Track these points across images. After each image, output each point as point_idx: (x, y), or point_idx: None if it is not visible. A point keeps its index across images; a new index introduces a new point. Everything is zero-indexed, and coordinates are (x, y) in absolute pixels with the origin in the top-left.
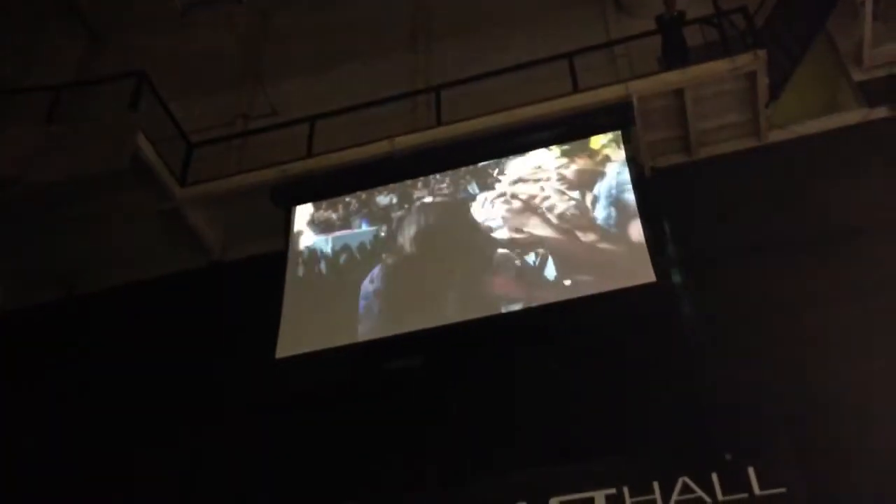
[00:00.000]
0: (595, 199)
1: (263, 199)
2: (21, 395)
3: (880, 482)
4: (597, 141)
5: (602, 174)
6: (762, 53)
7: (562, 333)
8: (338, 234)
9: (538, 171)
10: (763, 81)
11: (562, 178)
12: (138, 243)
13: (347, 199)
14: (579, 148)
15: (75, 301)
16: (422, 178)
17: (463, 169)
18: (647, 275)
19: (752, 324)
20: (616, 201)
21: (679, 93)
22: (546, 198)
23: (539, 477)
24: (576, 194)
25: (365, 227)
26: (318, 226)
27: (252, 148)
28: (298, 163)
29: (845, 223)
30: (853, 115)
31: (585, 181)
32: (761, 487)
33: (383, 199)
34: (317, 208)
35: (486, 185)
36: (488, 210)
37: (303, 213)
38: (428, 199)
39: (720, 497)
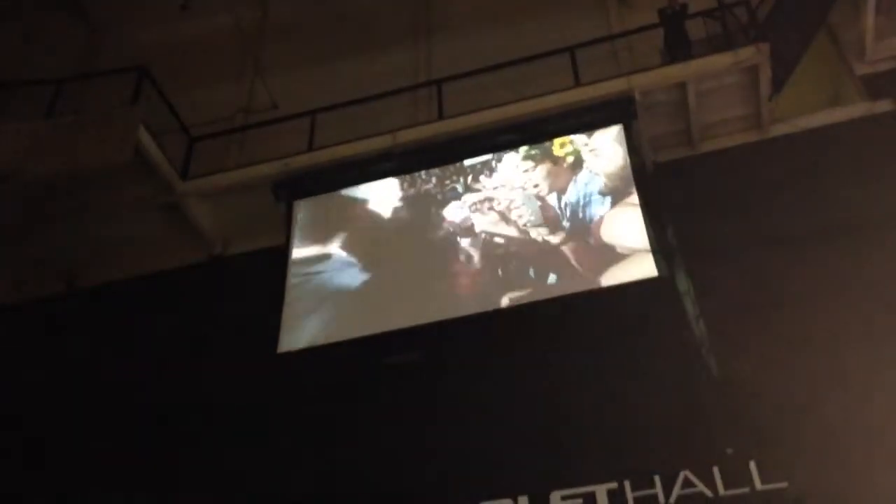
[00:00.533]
0: (597, 193)
1: (264, 193)
2: (22, 389)
3: (881, 476)
4: (599, 134)
5: (604, 168)
6: (765, 47)
7: (564, 328)
8: (336, 228)
9: (538, 165)
10: (766, 75)
11: (563, 172)
12: (139, 237)
13: (346, 192)
14: (580, 141)
15: (76, 294)
16: (417, 174)
17: (456, 165)
18: (648, 269)
19: (754, 317)
20: (618, 195)
21: (681, 86)
22: (547, 191)
23: (540, 471)
24: (577, 187)
25: (364, 223)
26: (318, 220)
27: (253, 142)
28: (300, 157)
29: (848, 217)
30: (856, 109)
31: (586, 174)
32: (763, 482)
33: (381, 193)
34: (317, 202)
35: (483, 182)
36: (487, 206)
37: (303, 207)
38: (423, 195)
39: (721, 491)
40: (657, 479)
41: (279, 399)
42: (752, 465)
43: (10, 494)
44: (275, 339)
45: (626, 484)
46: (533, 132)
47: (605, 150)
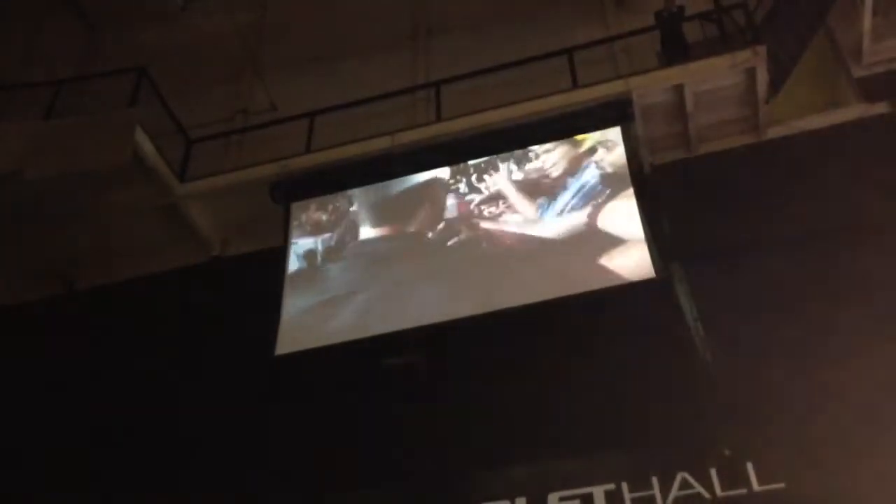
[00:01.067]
0: (593, 195)
1: (263, 194)
2: (21, 391)
3: (880, 478)
4: (594, 137)
5: (600, 170)
6: (762, 49)
7: (562, 329)
8: (335, 230)
9: (535, 166)
10: (763, 77)
11: (560, 174)
12: (138, 239)
13: (345, 194)
14: (577, 144)
15: (75, 296)
16: (418, 175)
17: (456, 165)
18: (646, 271)
19: (751, 319)
20: (615, 197)
21: (679, 88)
22: (543, 193)
23: (538, 472)
24: (573, 190)
25: (361, 224)
26: (316, 222)
27: (251, 143)
28: (298, 158)
29: (845, 219)
30: (853, 111)
31: (583, 177)
32: (760, 483)
33: (380, 194)
34: (315, 204)
35: (483, 182)
36: (487, 206)
37: (302, 209)
38: (423, 195)
39: (719, 492)
40: (655, 480)
41: (277, 401)
42: (750, 467)
43: (10, 494)
44: (273, 340)
45: (624, 485)
46: (531, 134)
47: (604, 152)
